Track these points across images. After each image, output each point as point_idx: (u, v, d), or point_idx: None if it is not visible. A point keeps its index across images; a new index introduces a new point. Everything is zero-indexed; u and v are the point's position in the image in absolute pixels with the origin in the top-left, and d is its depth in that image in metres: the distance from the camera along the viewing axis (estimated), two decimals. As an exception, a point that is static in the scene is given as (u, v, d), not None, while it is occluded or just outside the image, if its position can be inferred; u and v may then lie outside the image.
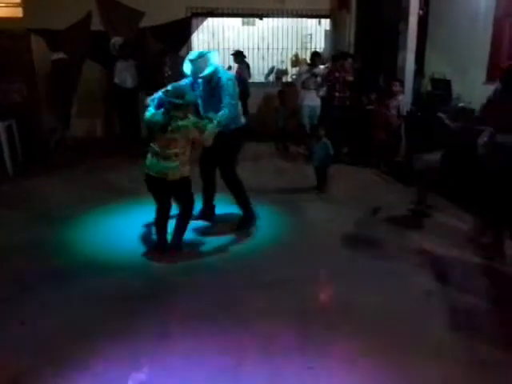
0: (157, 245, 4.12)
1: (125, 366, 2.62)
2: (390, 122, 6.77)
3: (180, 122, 3.84)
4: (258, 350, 2.75)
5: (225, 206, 4.89)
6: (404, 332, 2.94)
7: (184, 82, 4.31)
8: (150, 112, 4.02)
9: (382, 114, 6.88)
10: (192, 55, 4.25)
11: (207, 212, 4.85)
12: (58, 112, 8.16)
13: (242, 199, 4.61)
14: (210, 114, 4.11)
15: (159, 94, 4.11)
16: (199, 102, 4.39)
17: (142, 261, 3.95)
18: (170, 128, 3.82)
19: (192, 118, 3.97)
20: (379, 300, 3.30)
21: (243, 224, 4.60)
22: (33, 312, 3.17)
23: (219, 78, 4.21)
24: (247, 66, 8.92)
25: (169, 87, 4.03)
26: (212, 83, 4.24)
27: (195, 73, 4.19)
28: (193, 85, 4.34)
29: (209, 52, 4.29)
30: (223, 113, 4.09)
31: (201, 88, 4.36)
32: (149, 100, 4.15)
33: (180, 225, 4.13)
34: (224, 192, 4.70)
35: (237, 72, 8.40)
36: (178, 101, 3.80)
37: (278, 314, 3.13)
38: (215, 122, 4.01)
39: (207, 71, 4.16)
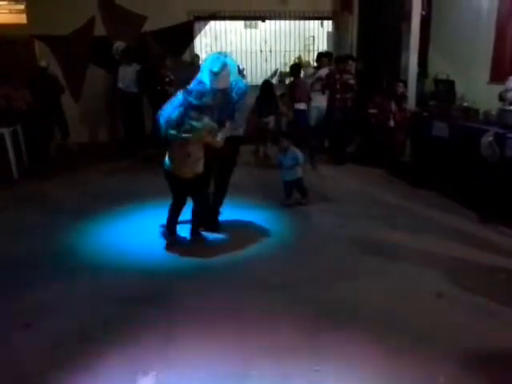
0: (166, 233, 4.33)
1: (130, 369, 2.61)
2: (393, 125, 6.76)
3: (194, 123, 3.90)
4: (265, 352, 2.75)
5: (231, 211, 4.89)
6: (414, 334, 2.93)
7: (202, 85, 4.14)
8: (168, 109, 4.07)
9: (384, 118, 6.89)
10: (215, 66, 3.98)
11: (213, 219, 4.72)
12: (54, 119, 8.21)
13: (223, 199, 4.65)
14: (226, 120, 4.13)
15: (180, 96, 4.07)
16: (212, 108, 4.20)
17: (148, 263, 3.95)
18: (183, 128, 3.89)
19: (206, 120, 3.99)
20: (388, 302, 3.30)
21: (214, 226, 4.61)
22: (37, 314, 3.18)
23: (240, 87, 4.18)
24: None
25: (191, 87, 4.08)
26: (229, 91, 4.14)
27: (220, 85, 4.04)
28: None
29: (226, 57, 4.11)
30: (238, 118, 4.17)
31: (216, 95, 4.13)
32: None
33: (195, 220, 4.37)
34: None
35: None
36: (196, 101, 3.90)
37: (285, 316, 3.12)
38: (228, 126, 4.10)
39: (229, 82, 4.08)
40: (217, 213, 4.66)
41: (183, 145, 3.97)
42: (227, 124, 4.12)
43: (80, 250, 4.25)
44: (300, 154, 5.22)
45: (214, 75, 3.97)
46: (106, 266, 3.91)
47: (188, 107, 3.92)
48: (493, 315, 3.14)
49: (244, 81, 5.54)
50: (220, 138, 4.08)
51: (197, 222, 4.40)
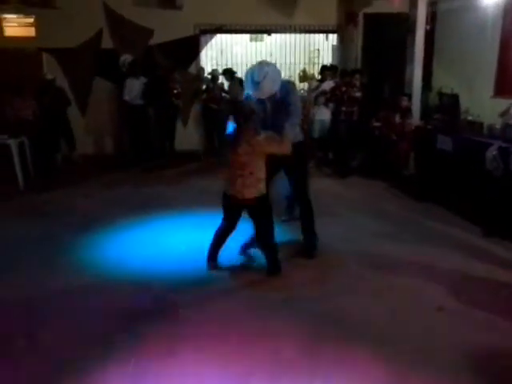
0: (208, 261, 4.07)
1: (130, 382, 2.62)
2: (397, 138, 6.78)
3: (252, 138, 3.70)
4: (266, 368, 2.74)
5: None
6: (414, 348, 2.91)
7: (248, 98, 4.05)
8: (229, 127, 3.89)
9: (388, 131, 6.91)
10: (255, 75, 3.82)
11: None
12: (61, 131, 8.30)
13: (311, 221, 4.36)
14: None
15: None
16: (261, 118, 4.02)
17: (149, 273, 3.96)
18: (241, 144, 3.67)
19: (263, 133, 3.80)
20: (389, 315, 3.29)
21: (312, 251, 4.35)
22: (37, 325, 3.19)
23: (287, 90, 3.99)
24: (240, 81, 8.90)
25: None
26: (277, 97, 3.96)
27: (262, 94, 3.89)
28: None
29: (269, 65, 3.92)
30: (292, 120, 3.91)
31: (265, 105, 3.99)
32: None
33: (266, 250, 3.97)
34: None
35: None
36: (248, 116, 3.72)
37: (285, 331, 3.11)
38: (290, 129, 3.85)
39: (275, 89, 3.89)
40: (313, 234, 4.41)
41: (244, 162, 3.69)
42: (287, 127, 3.83)
43: (81, 261, 4.26)
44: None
45: (256, 84, 3.85)
46: (106, 277, 3.92)
47: (242, 122, 3.72)
48: (494, 329, 3.12)
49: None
50: (287, 141, 3.75)
51: (272, 254, 3.96)
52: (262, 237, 3.97)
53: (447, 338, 3.03)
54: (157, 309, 3.41)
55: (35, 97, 7.62)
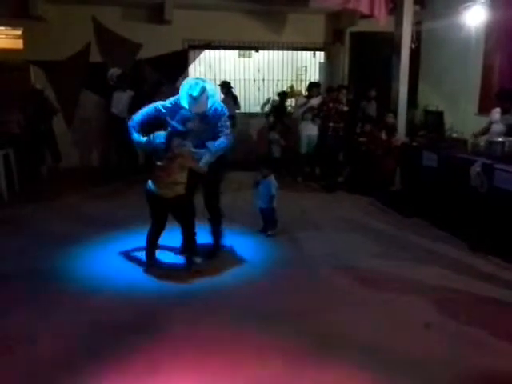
0: (146, 261, 4.30)
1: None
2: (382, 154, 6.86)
3: (177, 150, 3.99)
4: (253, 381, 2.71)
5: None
6: (401, 364, 2.89)
7: (186, 111, 4.16)
8: (155, 136, 4.12)
9: (373, 147, 6.99)
10: (194, 90, 4.01)
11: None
12: (46, 143, 8.24)
13: (219, 228, 4.65)
14: (209, 144, 4.10)
15: (152, 107, 4.25)
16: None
17: (133, 286, 3.91)
18: (168, 155, 3.99)
19: (189, 145, 4.08)
20: (376, 331, 3.27)
21: (213, 253, 4.61)
22: (21, 339, 3.12)
23: (216, 109, 4.18)
24: (234, 97, 8.95)
25: (168, 105, 4.20)
26: (208, 114, 4.16)
27: (198, 109, 4.07)
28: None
29: (205, 82, 4.13)
30: (221, 142, 4.10)
31: (195, 120, 4.16)
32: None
33: (185, 245, 4.40)
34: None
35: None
36: (181, 127, 3.99)
37: (270, 346, 3.08)
38: (213, 150, 4.07)
39: (208, 106, 4.11)
40: (216, 241, 4.67)
41: (165, 166, 4.03)
42: (209, 147, 4.07)
43: (64, 274, 4.19)
44: (274, 187, 5.14)
45: (194, 99, 4.01)
46: (90, 290, 3.85)
47: (173, 133, 4.01)
48: (481, 345, 3.12)
49: (236, 109, 5.58)
50: (203, 163, 4.06)
51: (188, 249, 4.38)
52: (184, 231, 4.35)
53: (434, 354, 3.02)
54: (141, 322, 3.35)
55: (20, 105, 7.57)
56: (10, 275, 4.16)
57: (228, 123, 4.25)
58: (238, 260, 4.55)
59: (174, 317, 3.45)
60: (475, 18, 6.49)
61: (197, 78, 4.20)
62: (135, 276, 4.17)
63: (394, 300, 3.76)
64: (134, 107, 8.10)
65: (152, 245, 4.31)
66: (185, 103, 4.10)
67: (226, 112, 4.28)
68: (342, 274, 4.26)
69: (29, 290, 3.86)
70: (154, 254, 4.32)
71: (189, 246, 4.40)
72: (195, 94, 4.00)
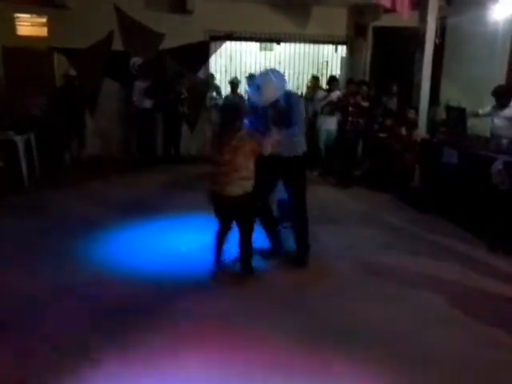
0: (213, 263, 4.06)
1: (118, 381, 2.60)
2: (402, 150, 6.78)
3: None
4: (260, 371, 2.72)
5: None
6: (414, 359, 2.88)
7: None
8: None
9: (393, 142, 6.90)
10: (259, 79, 3.91)
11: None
12: (73, 130, 8.34)
13: (305, 232, 4.32)
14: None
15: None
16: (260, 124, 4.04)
17: (144, 274, 3.95)
18: (226, 142, 3.70)
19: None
20: (389, 326, 3.26)
21: (303, 260, 4.30)
22: (23, 324, 3.17)
23: (290, 100, 3.96)
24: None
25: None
26: (280, 106, 3.94)
27: (265, 100, 3.87)
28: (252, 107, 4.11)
29: (273, 72, 3.92)
30: (294, 129, 3.90)
31: (265, 111, 3.99)
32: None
33: (242, 249, 3.97)
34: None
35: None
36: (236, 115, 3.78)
37: (283, 336, 3.09)
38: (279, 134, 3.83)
39: (276, 96, 3.86)
40: (304, 244, 4.33)
41: (229, 159, 3.69)
42: (274, 131, 3.84)
43: (85, 260, 4.24)
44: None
45: (258, 89, 3.85)
46: (107, 277, 3.89)
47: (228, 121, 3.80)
48: (494, 343, 3.08)
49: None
50: (266, 143, 3.74)
51: (246, 255, 3.99)
52: (242, 235, 3.93)
53: (447, 350, 2.99)
54: (149, 308, 3.40)
55: (56, 93, 7.65)
56: (24, 259, 4.23)
57: (299, 111, 4.02)
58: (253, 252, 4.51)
59: (186, 311, 3.47)
60: (502, 12, 6.35)
61: (266, 69, 4.12)
62: (148, 263, 4.20)
63: (408, 295, 3.74)
64: (150, 97, 8.22)
65: (218, 249, 4.04)
66: (252, 94, 3.99)
67: (300, 102, 4.19)
68: (359, 267, 4.26)
69: (36, 276, 3.89)
70: (219, 258, 4.06)
71: (247, 250, 3.97)
72: (259, 82, 3.87)
